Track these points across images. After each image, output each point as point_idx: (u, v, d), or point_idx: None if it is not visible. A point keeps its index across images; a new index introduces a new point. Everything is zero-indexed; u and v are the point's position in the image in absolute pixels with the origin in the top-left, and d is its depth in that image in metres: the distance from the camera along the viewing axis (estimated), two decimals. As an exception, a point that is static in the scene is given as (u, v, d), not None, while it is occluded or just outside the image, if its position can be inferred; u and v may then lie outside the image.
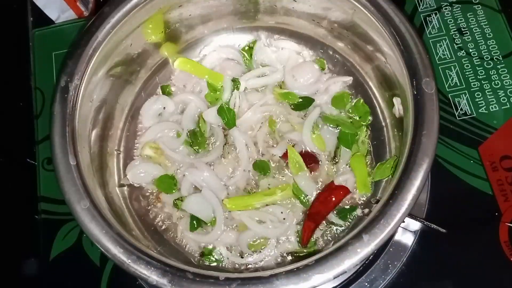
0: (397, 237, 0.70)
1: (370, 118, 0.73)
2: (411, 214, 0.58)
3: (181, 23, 0.74)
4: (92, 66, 0.61)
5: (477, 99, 0.78)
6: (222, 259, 0.69)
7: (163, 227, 0.72)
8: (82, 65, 0.60)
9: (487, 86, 0.78)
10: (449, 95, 0.78)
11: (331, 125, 0.73)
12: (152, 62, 0.76)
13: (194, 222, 0.70)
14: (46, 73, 0.87)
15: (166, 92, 0.78)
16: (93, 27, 0.62)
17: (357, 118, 0.73)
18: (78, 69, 0.60)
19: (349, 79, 0.74)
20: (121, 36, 0.65)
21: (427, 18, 0.84)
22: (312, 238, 0.68)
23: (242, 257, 0.68)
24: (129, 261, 0.50)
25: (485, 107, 0.77)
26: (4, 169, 0.84)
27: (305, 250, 0.67)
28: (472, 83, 0.79)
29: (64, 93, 0.59)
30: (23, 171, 0.84)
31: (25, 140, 0.84)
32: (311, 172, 0.71)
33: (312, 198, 0.70)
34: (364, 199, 0.69)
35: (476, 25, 0.82)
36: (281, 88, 0.77)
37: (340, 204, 0.69)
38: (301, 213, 0.70)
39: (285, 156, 0.71)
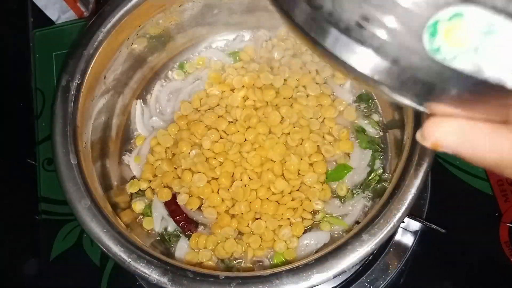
0: (397, 237, 0.70)
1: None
2: (411, 214, 0.58)
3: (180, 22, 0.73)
4: (93, 65, 0.61)
5: (477, 100, 0.77)
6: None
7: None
8: (83, 64, 0.61)
9: (487, 86, 0.78)
10: (449, 95, 0.78)
11: None
12: (154, 63, 0.77)
13: None
14: (46, 73, 0.87)
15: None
16: (94, 26, 0.62)
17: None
18: (79, 68, 0.60)
19: None
20: (123, 35, 0.65)
21: (427, 19, 0.84)
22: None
23: None
24: (130, 260, 0.50)
25: (485, 107, 0.77)
26: (4, 170, 0.83)
27: None
28: (472, 84, 0.78)
29: (65, 93, 0.59)
30: (23, 172, 0.84)
31: (25, 141, 0.84)
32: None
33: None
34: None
35: (476, 26, 0.82)
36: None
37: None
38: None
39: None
